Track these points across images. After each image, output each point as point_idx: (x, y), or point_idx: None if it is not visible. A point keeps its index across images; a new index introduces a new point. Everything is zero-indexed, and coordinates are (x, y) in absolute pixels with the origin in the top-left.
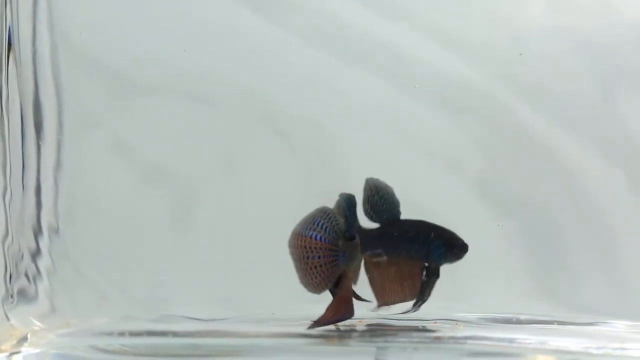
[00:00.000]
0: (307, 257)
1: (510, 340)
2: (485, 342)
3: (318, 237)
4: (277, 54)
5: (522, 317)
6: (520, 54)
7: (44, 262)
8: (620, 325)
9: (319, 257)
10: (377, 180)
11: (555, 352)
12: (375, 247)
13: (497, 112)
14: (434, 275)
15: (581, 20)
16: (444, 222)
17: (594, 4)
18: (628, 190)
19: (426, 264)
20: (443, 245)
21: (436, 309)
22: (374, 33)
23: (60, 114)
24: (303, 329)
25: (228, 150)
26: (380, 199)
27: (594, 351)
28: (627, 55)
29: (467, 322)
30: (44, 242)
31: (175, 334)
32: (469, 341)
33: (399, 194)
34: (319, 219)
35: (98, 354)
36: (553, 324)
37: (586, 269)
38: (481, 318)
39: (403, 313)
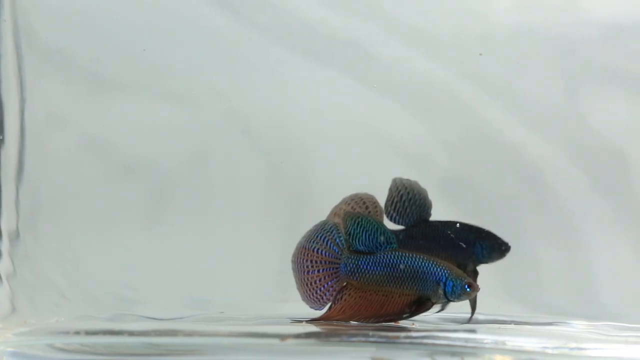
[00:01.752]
0: (308, 272)
1: (467, 340)
2: (442, 341)
3: (319, 251)
4: (242, 52)
5: (481, 317)
6: (480, 54)
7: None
8: (578, 325)
9: (318, 271)
10: (407, 180)
11: (512, 352)
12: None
13: (462, 110)
14: (427, 308)
15: (547, 18)
16: None
17: (560, 2)
18: (592, 190)
19: (422, 298)
20: (488, 246)
21: None
22: (339, 31)
23: (22, 111)
24: (256, 328)
25: (196, 149)
26: (410, 200)
27: (550, 351)
28: (592, 53)
29: (423, 322)
30: (4, 246)
31: (131, 333)
32: (426, 340)
33: (364, 190)
34: (318, 234)
35: (56, 352)
36: (510, 324)
37: (549, 269)
38: (439, 318)
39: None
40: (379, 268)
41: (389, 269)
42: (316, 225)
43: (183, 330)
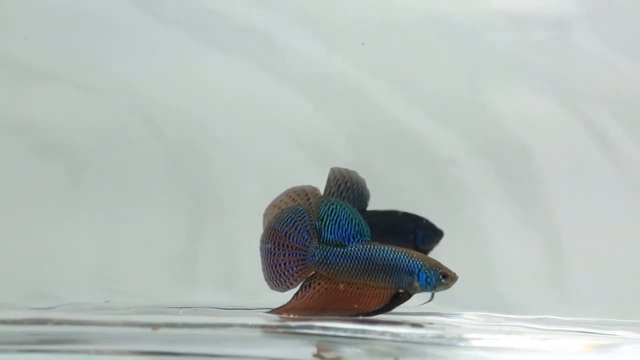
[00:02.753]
0: (273, 254)
1: (355, 331)
2: (340, 333)
3: (287, 235)
4: (146, 42)
5: None
6: (363, 44)
7: None
8: (470, 316)
9: (283, 255)
10: (348, 170)
11: (389, 341)
12: None
13: (364, 100)
14: (403, 300)
15: (450, 6)
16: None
17: None
18: (495, 182)
19: (400, 291)
20: (426, 234)
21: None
22: (243, 20)
23: None
24: (131, 317)
25: (105, 137)
26: (347, 190)
27: (430, 340)
28: (495, 43)
29: None
30: None
31: (3, 322)
32: (306, 331)
33: (267, 184)
34: (290, 216)
35: None
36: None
37: (453, 262)
38: None
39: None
40: (348, 261)
41: (358, 262)
42: (288, 208)
43: (52, 319)
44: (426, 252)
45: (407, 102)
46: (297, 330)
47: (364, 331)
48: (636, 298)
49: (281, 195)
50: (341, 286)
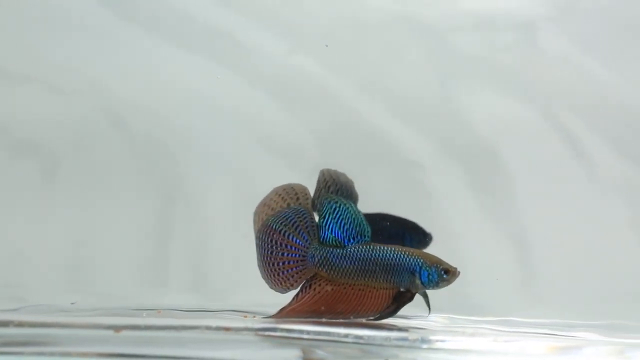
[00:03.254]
0: (272, 252)
1: (317, 333)
2: (304, 335)
3: (287, 235)
4: (116, 42)
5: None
6: (326, 45)
7: None
8: (435, 318)
9: (282, 255)
10: (337, 172)
11: (352, 344)
12: None
13: (334, 101)
14: (407, 300)
15: (419, 7)
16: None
17: None
18: (463, 183)
19: (402, 289)
20: (415, 237)
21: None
22: (210, 20)
23: None
24: (94, 319)
25: (75, 137)
26: (336, 192)
27: (393, 342)
28: (464, 44)
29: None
30: None
31: None
32: (269, 333)
33: (235, 183)
34: (291, 216)
35: None
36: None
37: None
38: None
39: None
40: (348, 262)
41: (359, 263)
42: (290, 208)
43: (13, 321)
44: None
45: (376, 103)
46: (260, 333)
47: (327, 333)
48: (600, 299)
49: (270, 193)
50: (329, 288)
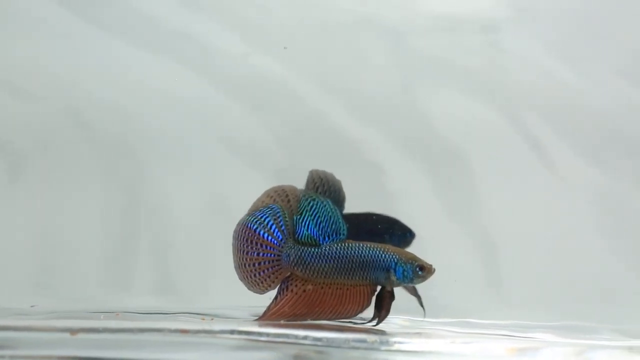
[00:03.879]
0: (247, 252)
1: (277, 335)
2: (262, 337)
3: (261, 234)
4: (86, 47)
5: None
6: (285, 48)
7: None
8: (398, 320)
9: (257, 254)
10: (325, 173)
11: (310, 345)
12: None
13: (297, 103)
14: (389, 296)
15: (384, 9)
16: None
17: None
18: (428, 187)
19: (378, 289)
20: (400, 235)
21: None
22: (176, 24)
23: None
24: (49, 322)
25: (38, 139)
26: (324, 193)
27: (352, 344)
28: (427, 45)
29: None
30: None
31: None
32: (227, 335)
33: (199, 184)
34: (266, 215)
35: None
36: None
37: None
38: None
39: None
40: (324, 261)
41: (334, 261)
42: (264, 206)
43: None
44: None
45: (338, 104)
46: (218, 335)
47: (285, 335)
48: (562, 300)
49: (262, 195)
50: (307, 288)
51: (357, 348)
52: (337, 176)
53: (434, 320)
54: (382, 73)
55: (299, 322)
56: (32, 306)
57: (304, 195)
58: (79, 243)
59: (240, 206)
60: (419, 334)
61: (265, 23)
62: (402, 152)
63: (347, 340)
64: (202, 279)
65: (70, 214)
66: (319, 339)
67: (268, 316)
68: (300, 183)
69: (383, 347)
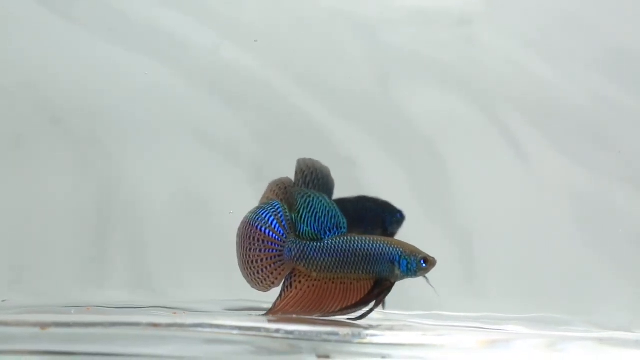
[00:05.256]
0: (249, 249)
1: (248, 329)
2: (234, 331)
3: (262, 229)
4: (58, 43)
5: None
6: (255, 41)
7: None
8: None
9: (259, 251)
10: (312, 160)
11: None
12: None
13: (272, 98)
14: (386, 289)
15: (356, 4)
16: (219, 211)
17: None
18: (404, 182)
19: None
20: (391, 217)
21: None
22: (149, 19)
23: None
24: (19, 317)
25: (9, 136)
26: (313, 181)
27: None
28: (401, 39)
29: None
30: None
31: None
32: (198, 329)
33: (174, 180)
34: (266, 211)
35: None
36: None
37: None
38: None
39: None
40: (326, 255)
41: (337, 255)
42: (266, 203)
43: None
44: (392, 235)
45: (314, 99)
46: (190, 329)
47: (257, 328)
48: (534, 293)
49: (266, 190)
50: (311, 284)
51: (329, 341)
52: None
53: (406, 312)
54: (355, 66)
55: (264, 316)
56: (2, 301)
57: (299, 193)
58: (51, 238)
59: (215, 200)
60: (391, 327)
61: (238, 17)
62: (376, 146)
63: (319, 333)
64: (175, 273)
65: (42, 209)
66: (291, 332)
67: (274, 313)
68: (276, 176)
69: (355, 340)
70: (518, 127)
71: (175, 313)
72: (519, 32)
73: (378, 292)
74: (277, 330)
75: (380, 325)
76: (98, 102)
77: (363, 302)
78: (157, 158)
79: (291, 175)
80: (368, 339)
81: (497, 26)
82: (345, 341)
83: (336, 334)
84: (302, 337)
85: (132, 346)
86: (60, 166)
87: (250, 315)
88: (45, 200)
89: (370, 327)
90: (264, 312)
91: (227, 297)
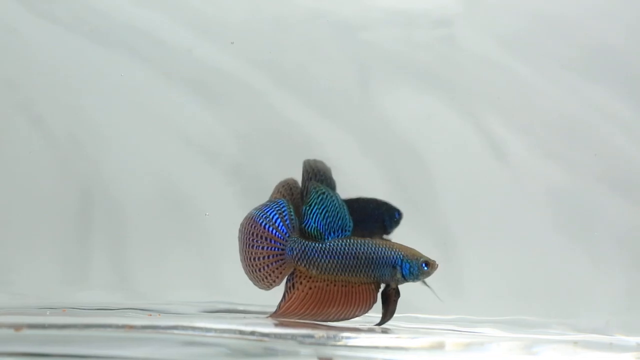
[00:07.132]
0: (251, 245)
1: (224, 331)
2: (210, 333)
3: (266, 227)
4: (38, 43)
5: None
6: (232, 43)
7: None
8: None
9: (261, 248)
10: (316, 161)
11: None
12: None
13: (253, 99)
14: (394, 293)
15: (336, 4)
16: (198, 212)
17: None
18: (384, 183)
19: (382, 285)
20: (391, 216)
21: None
22: (132, 20)
23: None
24: (4, 318)
25: None
26: (318, 181)
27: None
28: (382, 40)
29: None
30: None
31: None
32: (174, 331)
33: (156, 182)
34: (271, 209)
35: None
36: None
37: None
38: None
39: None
40: (328, 257)
41: (339, 258)
42: (271, 201)
43: None
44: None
45: (293, 99)
46: (166, 331)
47: (232, 331)
48: (511, 295)
49: (273, 191)
50: (313, 285)
51: (304, 343)
52: (289, 171)
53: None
54: (336, 67)
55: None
56: None
57: (314, 188)
58: (29, 238)
59: (196, 201)
60: (365, 330)
61: (219, 17)
62: (356, 147)
63: (294, 336)
64: (154, 274)
65: (21, 210)
66: (266, 334)
67: (278, 314)
68: (257, 178)
69: (330, 342)
70: (497, 128)
71: (150, 315)
72: (498, 33)
73: (385, 298)
74: (252, 333)
75: (355, 328)
76: (78, 102)
77: (368, 308)
78: (137, 158)
79: (271, 175)
80: (343, 342)
81: (477, 27)
82: (320, 343)
83: (311, 336)
84: (277, 339)
85: (108, 348)
86: (40, 167)
87: (245, 317)
88: (23, 200)
89: (345, 329)
90: (267, 315)
91: (204, 299)
